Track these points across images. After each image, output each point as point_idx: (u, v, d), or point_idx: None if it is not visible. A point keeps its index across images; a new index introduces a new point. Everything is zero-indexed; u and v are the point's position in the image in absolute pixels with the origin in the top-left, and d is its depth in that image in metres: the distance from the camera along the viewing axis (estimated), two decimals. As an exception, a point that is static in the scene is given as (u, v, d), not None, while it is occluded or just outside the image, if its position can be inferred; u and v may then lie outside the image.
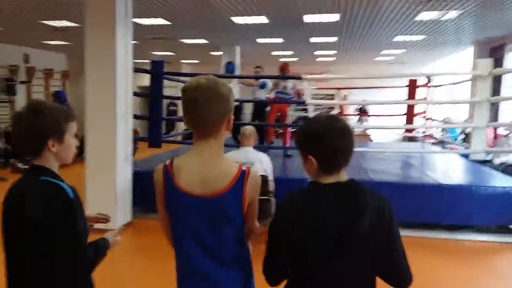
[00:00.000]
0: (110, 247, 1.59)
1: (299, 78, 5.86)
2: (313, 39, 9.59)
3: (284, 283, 1.46)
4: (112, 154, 4.79)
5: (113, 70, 4.70)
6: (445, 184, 4.87)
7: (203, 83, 1.37)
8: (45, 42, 10.49)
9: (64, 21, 7.64)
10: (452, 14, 6.75)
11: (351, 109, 11.96)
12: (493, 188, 4.76)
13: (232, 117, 1.44)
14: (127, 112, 4.96)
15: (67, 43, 10.50)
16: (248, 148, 4.22)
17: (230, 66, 8.39)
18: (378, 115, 11.52)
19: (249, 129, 4.32)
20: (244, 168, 1.42)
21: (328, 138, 1.35)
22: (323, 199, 1.34)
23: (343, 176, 1.39)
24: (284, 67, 6.77)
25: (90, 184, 4.80)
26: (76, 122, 1.52)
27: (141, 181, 5.15)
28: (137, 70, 5.46)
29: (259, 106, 7.09)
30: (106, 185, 4.79)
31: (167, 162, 1.44)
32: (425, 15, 6.90)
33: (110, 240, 1.60)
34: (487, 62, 5.43)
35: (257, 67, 7.73)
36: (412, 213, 4.77)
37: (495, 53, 8.99)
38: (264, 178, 4.08)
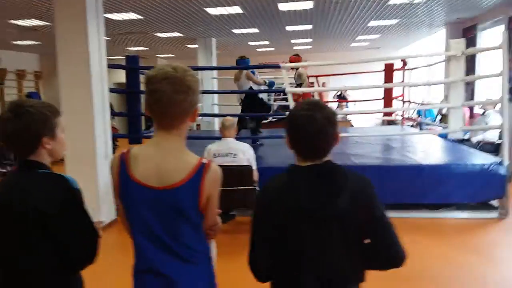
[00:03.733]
0: None
1: (277, 67, 5.84)
2: (289, 28, 9.57)
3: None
4: (91, 152, 4.70)
5: (87, 67, 4.60)
6: (425, 164, 4.96)
7: (170, 74, 1.29)
8: (16, 42, 10.18)
9: (34, 19, 7.43)
10: (424, -4, 6.83)
11: (330, 96, 12.01)
12: (471, 166, 4.86)
13: (198, 107, 1.38)
14: (104, 108, 4.87)
15: (39, 42, 10.22)
16: (230, 139, 4.20)
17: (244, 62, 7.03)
18: (357, 101, 11.63)
19: (230, 120, 4.29)
20: (205, 161, 1.35)
21: (299, 123, 1.36)
22: (300, 179, 1.36)
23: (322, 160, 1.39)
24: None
25: (72, 184, 4.70)
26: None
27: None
28: (112, 66, 5.36)
29: (253, 98, 6.68)
30: (87, 184, 4.60)
31: (125, 150, 1.39)
32: (397, -1, 6.96)
33: None
34: (460, 42, 5.51)
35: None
36: (395, 195, 4.84)
37: (468, 34, 9.14)
38: (249, 168, 4.07)
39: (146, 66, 7.20)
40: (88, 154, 4.70)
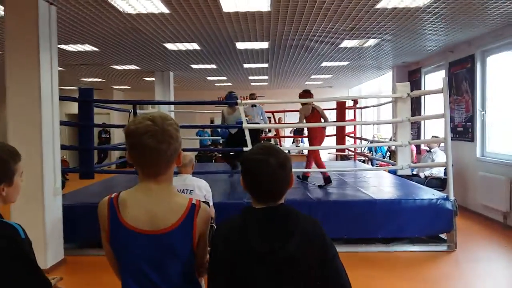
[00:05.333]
0: None
1: (235, 104, 5.93)
2: (246, 65, 9.79)
3: None
4: (38, 188, 4.47)
5: (38, 99, 4.44)
6: (377, 199, 5.12)
7: (150, 127, 1.30)
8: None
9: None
10: (371, 42, 7.29)
11: (287, 131, 12.30)
12: (420, 201, 5.08)
13: (181, 151, 1.40)
14: (54, 142, 4.69)
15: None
16: (187, 175, 4.15)
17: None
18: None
19: (187, 158, 4.25)
20: (194, 201, 1.38)
21: (253, 168, 1.38)
22: (251, 222, 1.36)
23: (276, 203, 1.40)
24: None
25: (16, 221, 4.39)
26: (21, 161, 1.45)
27: (72, 215, 4.84)
28: (64, 98, 5.21)
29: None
30: (33, 222, 4.43)
31: (113, 195, 1.38)
32: (347, 43, 7.37)
33: None
34: (406, 85, 5.86)
35: (252, 94, 8.65)
36: (349, 229, 4.93)
37: (413, 76, 9.77)
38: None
39: (99, 99, 7.09)
40: (36, 190, 4.45)
